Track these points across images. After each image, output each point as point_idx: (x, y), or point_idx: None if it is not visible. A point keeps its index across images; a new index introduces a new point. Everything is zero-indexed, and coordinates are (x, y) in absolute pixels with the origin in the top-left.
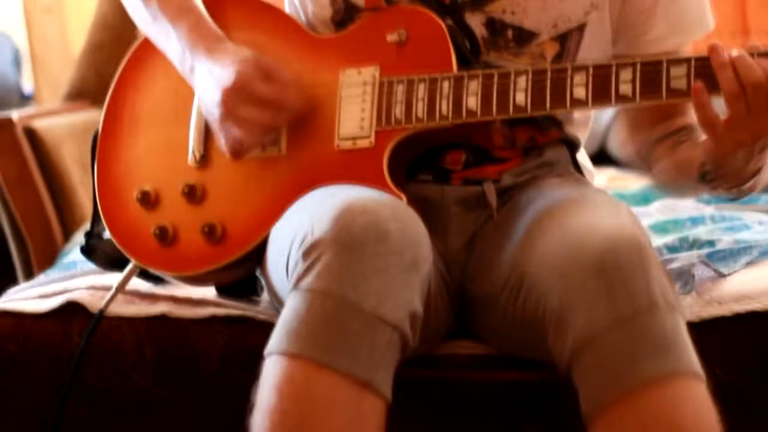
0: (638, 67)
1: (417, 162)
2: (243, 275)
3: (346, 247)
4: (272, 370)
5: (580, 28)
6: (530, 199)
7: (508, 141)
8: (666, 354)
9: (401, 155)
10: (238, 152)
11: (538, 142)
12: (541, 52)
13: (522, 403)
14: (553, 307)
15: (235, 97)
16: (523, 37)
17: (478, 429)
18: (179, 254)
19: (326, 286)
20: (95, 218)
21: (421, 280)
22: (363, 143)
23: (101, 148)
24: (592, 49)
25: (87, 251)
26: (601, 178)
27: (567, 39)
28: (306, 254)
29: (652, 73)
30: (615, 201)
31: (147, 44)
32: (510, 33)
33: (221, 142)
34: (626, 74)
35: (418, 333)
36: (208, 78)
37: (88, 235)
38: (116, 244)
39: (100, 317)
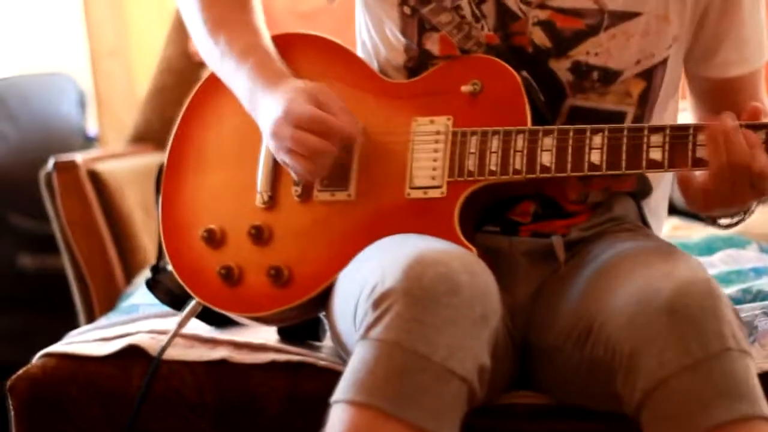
0: None
1: (485, 212)
2: (306, 317)
3: (416, 298)
4: (338, 418)
5: (664, 62)
6: (598, 252)
7: (582, 195)
8: (738, 398)
9: (471, 206)
10: (303, 178)
11: (612, 189)
12: (627, 89)
13: None
14: (623, 350)
15: (283, 126)
16: (608, 76)
17: None
18: (244, 295)
19: (396, 336)
20: (161, 252)
21: (490, 333)
22: (434, 193)
23: (166, 183)
24: (672, 79)
25: (151, 285)
26: (665, 227)
27: (652, 75)
28: (376, 304)
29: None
30: (684, 252)
31: (213, 81)
32: (595, 74)
33: (290, 171)
34: (703, 137)
35: (486, 385)
36: (267, 113)
37: (155, 269)
38: (179, 281)
39: (160, 356)
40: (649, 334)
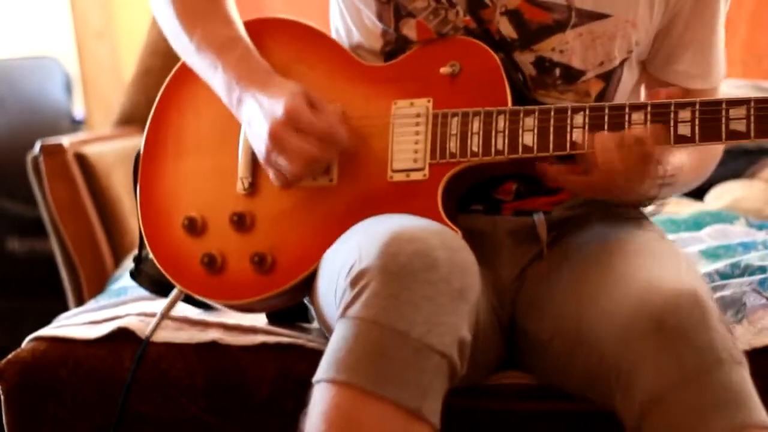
0: (697, 107)
1: (468, 193)
2: (291, 303)
3: (393, 275)
4: (320, 397)
5: (622, 64)
6: (583, 239)
7: None
8: (735, 408)
9: (454, 188)
10: (285, 184)
11: None
12: (586, 89)
13: None
14: (617, 368)
15: (283, 128)
16: (570, 75)
17: None
18: (227, 283)
19: (373, 314)
20: (142, 241)
21: (469, 308)
22: (417, 176)
23: (144, 170)
24: (628, 81)
25: (134, 274)
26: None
27: (611, 76)
28: (353, 282)
29: (710, 113)
30: (672, 250)
31: (187, 67)
32: (558, 71)
33: (270, 174)
34: (685, 114)
35: (466, 361)
36: (256, 110)
37: (137, 259)
38: (161, 270)
39: (147, 344)
40: (642, 351)
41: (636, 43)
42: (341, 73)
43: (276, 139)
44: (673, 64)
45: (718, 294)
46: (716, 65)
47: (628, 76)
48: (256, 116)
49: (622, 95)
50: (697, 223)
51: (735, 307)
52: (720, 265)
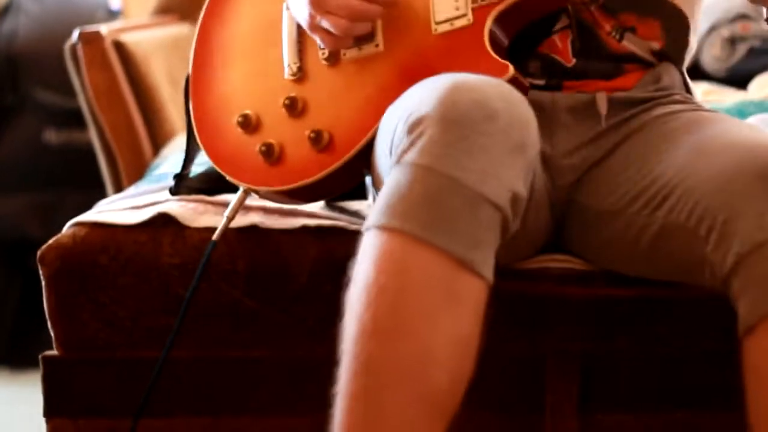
0: None
1: (525, 54)
2: (352, 183)
3: (452, 123)
4: (370, 244)
5: None
6: (656, 115)
7: (615, 30)
8: None
9: (501, 32)
10: (335, 44)
11: (639, 33)
12: None
13: (616, 317)
14: (714, 217)
15: None
16: None
17: (570, 342)
18: (287, 167)
19: (429, 161)
20: (186, 160)
21: (526, 163)
22: (461, 22)
23: (195, 84)
24: None
25: (175, 193)
26: (696, 92)
27: None
28: (411, 129)
29: None
30: (750, 122)
31: None
32: None
33: (317, 41)
34: None
35: (519, 216)
36: None
37: (178, 176)
38: (221, 173)
39: (214, 246)
40: (746, 199)
41: None
42: None
43: (316, 1)
44: None
45: None
46: None
47: None
48: None
49: None
50: (740, 112)
51: None
52: None
